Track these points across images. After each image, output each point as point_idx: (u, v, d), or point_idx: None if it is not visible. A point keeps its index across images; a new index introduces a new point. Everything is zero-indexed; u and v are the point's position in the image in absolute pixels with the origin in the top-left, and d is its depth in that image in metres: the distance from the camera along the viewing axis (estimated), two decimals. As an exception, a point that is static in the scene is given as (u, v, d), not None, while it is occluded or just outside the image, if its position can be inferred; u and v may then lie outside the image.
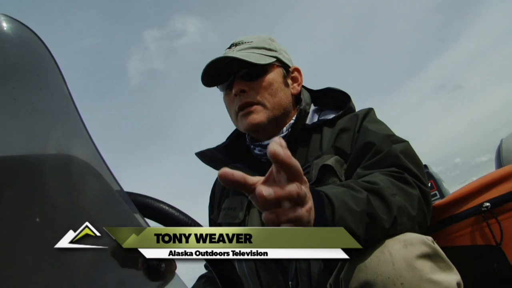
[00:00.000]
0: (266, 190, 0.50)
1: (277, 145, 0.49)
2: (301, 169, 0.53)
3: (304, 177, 0.56)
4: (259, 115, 1.03)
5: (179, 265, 0.47)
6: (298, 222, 0.55)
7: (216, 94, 1.20)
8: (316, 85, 1.24)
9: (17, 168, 0.36)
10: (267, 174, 0.55)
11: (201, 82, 1.09)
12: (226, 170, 0.53)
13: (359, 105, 1.14)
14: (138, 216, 0.46)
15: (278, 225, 0.59)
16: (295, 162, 0.51)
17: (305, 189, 0.55)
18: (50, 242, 0.36)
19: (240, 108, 1.05)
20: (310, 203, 0.57)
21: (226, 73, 1.07)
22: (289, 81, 1.12)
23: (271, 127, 1.06)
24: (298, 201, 0.53)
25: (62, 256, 0.36)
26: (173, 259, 0.46)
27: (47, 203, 0.37)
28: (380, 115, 1.09)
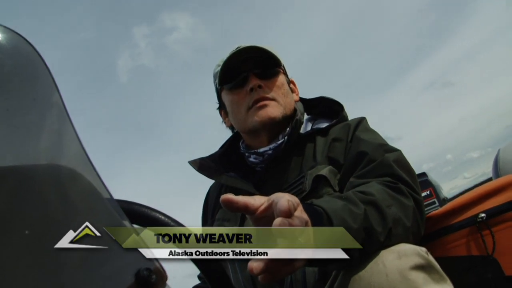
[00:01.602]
0: (256, 266, 0.51)
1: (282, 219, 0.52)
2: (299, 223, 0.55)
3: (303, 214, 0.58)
4: (275, 109, 1.05)
5: (177, 267, 0.48)
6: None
7: (209, 91, 1.22)
8: (310, 83, 1.26)
9: (8, 178, 0.37)
10: (267, 205, 0.57)
11: (203, 80, 1.12)
12: (228, 197, 0.55)
13: (352, 104, 1.14)
14: (127, 224, 0.45)
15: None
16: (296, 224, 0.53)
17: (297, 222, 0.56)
18: (38, 251, 0.36)
19: (256, 101, 1.06)
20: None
21: (237, 72, 1.08)
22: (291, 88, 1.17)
23: (277, 126, 1.08)
24: None
25: (50, 266, 0.36)
26: (162, 267, 0.46)
27: (38, 214, 0.37)
28: (372, 113, 1.09)
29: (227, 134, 1.26)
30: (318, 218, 0.64)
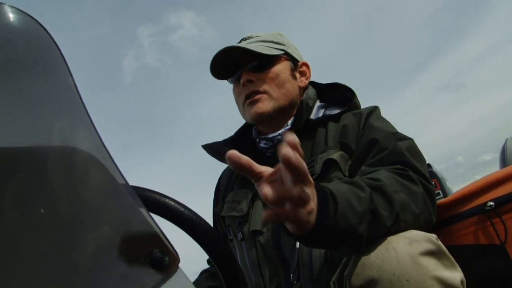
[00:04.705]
0: (269, 191, 0.51)
1: (289, 149, 0.51)
2: (307, 171, 0.55)
3: (310, 178, 0.57)
4: (264, 104, 1.06)
5: (182, 259, 0.47)
6: (296, 222, 0.57)
7: (215, 90, 1.23)
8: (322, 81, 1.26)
9: (21, 159, 0.36)
10: (274, 169, 0.56)
11: (208, 76, 1.12)
12: (234, 152, 0.55)
13: (363, 103, 1.16)
14: (143, 211, 0.45)
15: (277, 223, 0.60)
16: (303, 166, 0.53)
17: (308, 190, 0.57)
18: (53, 236, 0.36)
19: (246, 97, 1.08)
20: (312, 205, 0.58)
21: (236, 66, 1.10)
22: (297, 74, 1.16)
23: (276, 118, 1.09)
24: (300, 202, 0.55)
25: (65, 248, 0.36)
26: (175, 250, 0.46)
27: (51, 196, 0.37)
28: (384, 113, 1.11)
29: (233, 131, 1.27)
30: (324, 195, 0.64)
